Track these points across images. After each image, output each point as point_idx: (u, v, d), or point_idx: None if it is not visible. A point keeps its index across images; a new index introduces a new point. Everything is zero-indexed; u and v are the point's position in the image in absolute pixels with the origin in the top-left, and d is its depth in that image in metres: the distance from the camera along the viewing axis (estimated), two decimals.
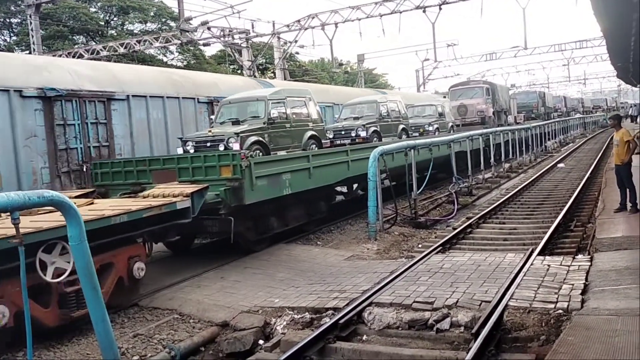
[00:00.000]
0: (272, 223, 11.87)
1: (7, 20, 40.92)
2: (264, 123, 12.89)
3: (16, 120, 11.57)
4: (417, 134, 20.28)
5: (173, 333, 7.42)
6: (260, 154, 12.24)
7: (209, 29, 28.94)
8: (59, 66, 13.74)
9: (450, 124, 23.75)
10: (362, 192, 16.35)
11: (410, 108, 23.04)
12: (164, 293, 8.93)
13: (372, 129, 16.70)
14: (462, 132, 21.66)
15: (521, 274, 8.16)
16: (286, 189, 11.24)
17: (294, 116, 13.97)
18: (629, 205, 11.05)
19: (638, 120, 40.87)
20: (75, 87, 12.92)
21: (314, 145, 14.33)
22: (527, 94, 46.48)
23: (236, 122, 12.95)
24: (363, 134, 16.23)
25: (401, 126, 18.70)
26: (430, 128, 21.24)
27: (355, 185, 15.95)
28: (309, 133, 14.32)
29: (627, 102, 79.16)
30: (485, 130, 22.68)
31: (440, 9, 25.83)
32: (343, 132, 16.60)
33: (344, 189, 17.16)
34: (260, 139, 12.62)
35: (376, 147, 13.66)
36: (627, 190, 11.17)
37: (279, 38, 31.94)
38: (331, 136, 16.28)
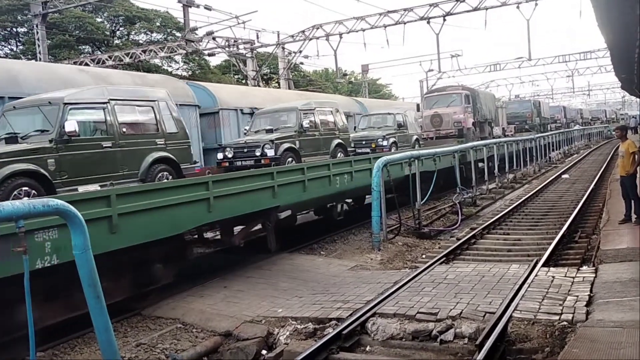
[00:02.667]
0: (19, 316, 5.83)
1: (14, 29, 41.23)
2: (51, 141, 8.37)
3: (240, 128, 17.67)
4: (368, 150, 16.92)
5: (176, 342, 7.41)
6: (34, 193, 7.75)
7: (214, 39, 29.12)
8: (252, 94, 21.77)
9: (414, 137, 19.74)
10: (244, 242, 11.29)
11: (364, 118, 20.20)
12: (167, 302, 8.92)
13: (286, 145, 12.82)
14: (428, 147, 19.04)
15: (525, 285, 8.13)
16: (46, 258, 6.49)
17: (125, 130, 9.50)
18: (633, 216, 11.02)
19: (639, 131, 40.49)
20: (262, 106, 17.97)
21: (167, 175, 10.04)
22: (520, 103, 42.78)
23: (13, 140, 8.36)
24: (270, 152, 12.35)
25: (336, 141, 14.73)
26: (385, 143, 17.24)
27: (237, 228, 11.15)
28: (155, 155, 9.86)
29: (627, 113, 78.81)
30: (445, 149, 18.27)
31: (444, 20, 25.91)
32: (246, 150, 12.76)
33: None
34: (36, 167, 7.97)
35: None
36: (632, 201, 11.14)
37: (283, 48, 32.07)
38: (230, 155, 12.88)
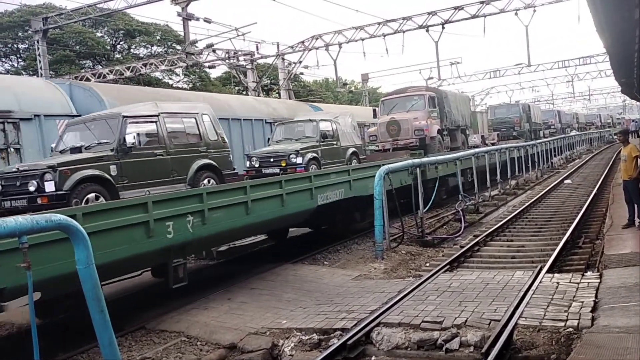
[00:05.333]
0: None
1: (15, 45, 41.50)
2: None
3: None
4: (277, 170, 13.02)
5: (180, 356, 7.39)
6: None
7: (214, 51, 29.29)
8: (344, 108, 23.90)
9: (350, 151, 15.56)
10: None
11: (280, 127, 15.68)
12: (171, 315, 8.91)
13: (84, 173, 8.41)
14: (371, 162, 15.51)
15: (530, 292, 8.11)
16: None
17: None
18: (637, 221, 10.99)
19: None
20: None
21: None
22: (507, 107, 37.94)
23: None
24: (50, 186, 8.04)
25: (200, 163, 10.53)
26: (299, 160, 13.13)
27: None
28: None
29: (625, 117, 78.59)
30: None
31: (443, 28, 26.03)
32: (18, 184, 8.29)
33: None
34: None
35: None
36: (635, 205, 11.11)
37: (283, 59, 32.22)
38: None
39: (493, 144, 27.10)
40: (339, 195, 12.60)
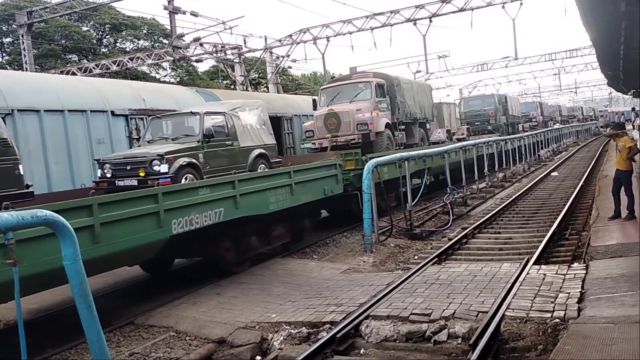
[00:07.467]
0: None
1: None
2: None
3: None
4: (134, 182, 9.82)
5: (169, 351, 7.37)
6: None
7: (201, 45, 29.07)
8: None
9: (256, 153, 12.22)
10: None
11: (155, 121, 11.84)
12: (160, 310, 8.88)
13: None
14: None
15: (517, 284, 8.16)
16: None
17: None
18: (625, 212, 11.09)
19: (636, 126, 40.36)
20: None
21: None
22: (482, 98, 34.97)
23: None
24: None
25: None
26: (164, 168, 9.76)
27: None
28: None
29: (607, 110, 79.01)
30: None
31: (430, 21, 26.00)
32: None
33: None
34: None
35: None
36: (627, 197, 11.19)
37: (271, 53, 32.08)
38: None
39: (460, 140, 25.03)
40: (215, 218, 9.32)
